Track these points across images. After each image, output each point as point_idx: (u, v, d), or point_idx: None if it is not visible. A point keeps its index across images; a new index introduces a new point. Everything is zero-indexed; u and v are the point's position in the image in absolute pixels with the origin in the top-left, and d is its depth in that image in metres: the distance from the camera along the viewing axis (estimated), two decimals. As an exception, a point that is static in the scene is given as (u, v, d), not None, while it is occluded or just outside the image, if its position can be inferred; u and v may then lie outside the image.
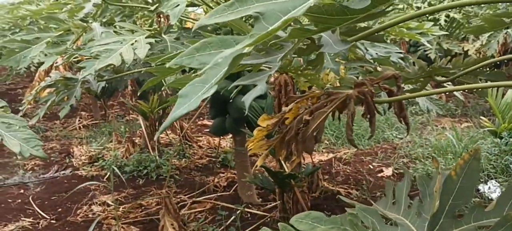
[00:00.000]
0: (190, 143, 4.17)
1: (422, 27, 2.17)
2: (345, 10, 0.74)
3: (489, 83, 1.41)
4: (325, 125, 2.20)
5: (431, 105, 2.26)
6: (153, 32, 2.19)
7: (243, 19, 1.81)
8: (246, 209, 2.75)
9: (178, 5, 1.78)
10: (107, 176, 3.51)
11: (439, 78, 1.48)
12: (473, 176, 0.84)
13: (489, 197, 2.79)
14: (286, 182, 2.26)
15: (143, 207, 2.94)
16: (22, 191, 3.35)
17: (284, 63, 1.86)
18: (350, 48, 1.82)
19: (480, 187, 2.90)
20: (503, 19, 1.40)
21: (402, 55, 1.97)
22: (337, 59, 1.66)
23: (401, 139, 4.25)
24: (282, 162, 2.33)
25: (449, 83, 1.59)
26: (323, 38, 1.02)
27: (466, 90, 3.97)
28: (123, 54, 1.85)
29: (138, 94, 2.93)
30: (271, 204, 2.82)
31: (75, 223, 2.78)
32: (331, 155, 3.83)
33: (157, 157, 3.71)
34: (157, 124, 3.88)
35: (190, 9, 3.15)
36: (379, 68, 1.90)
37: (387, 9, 0.87)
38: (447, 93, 4.10)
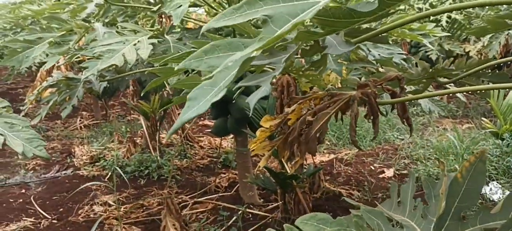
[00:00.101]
0: (191, 143, 4.17)
1: (425, 28, 2.16)
2: (352, 13, 0.73)
3: (491, 84, 1.41)
4: (327, 125, 2.20)
5: (433, 107, 2.26)
6: (155, 32, 2.19)
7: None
8: (248, 210, 2.75)
9: (181, 5, 1.78)
10: (108, 176, 3.51)
11: (441, 79, 1.48)
12: (479, 178, 0.84)
13: (491, 199, 2.79)
14: (288, 182, 2.26)
15: (144, 207, 2.94)
16: (23, 191, 3.35)
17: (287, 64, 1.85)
18: (353, 49, 1.81)
19: (482, 188, 2.90)
20: (506, 21, 1.40)
21: (404, 56, 1.96)
22: (339, 60, 1.65)
23: (403, 140, 4.25)
24: (284, 163, 2.33)
25: (452, 84, 1.59)
26: (327, 39, 1.01)
27: (468, 92, 3.97)
28: (125, 55, 1.84)
29: (142, 94, 2.92)
30: (272, 204, 2.82)
31: (76, 223, 2.78)
32: (332, 156, 3.83)
33: (159, 157, 3.71)
34: (158, 124, 3.88)
35: (191, 9, 3.14)
36: (381, 69, 1.90)
37: (391, 11, 0.87)
38: (449, 94, 4.09)
